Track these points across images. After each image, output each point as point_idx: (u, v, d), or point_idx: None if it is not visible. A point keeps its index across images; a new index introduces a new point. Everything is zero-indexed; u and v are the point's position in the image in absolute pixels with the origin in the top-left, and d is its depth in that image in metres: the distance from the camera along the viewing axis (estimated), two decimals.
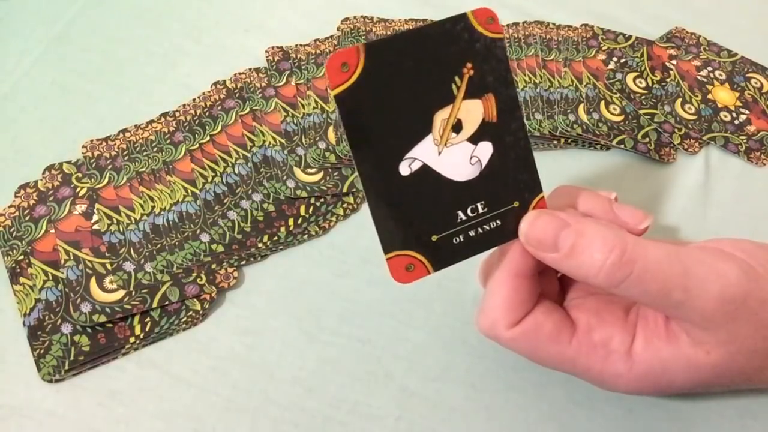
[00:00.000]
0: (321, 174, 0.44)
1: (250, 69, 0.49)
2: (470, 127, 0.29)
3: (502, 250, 0.31)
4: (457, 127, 0.29)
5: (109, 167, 0.43)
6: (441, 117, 0.29)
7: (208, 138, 0.45)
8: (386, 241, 0.29)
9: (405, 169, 0.29)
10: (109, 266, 0.39)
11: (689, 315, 0.29)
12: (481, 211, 0.30)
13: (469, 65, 0.29)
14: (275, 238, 0.42)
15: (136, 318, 0.38)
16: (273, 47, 0.50)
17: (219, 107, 0.47)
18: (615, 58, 0.52)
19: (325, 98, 0.47)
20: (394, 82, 0.28)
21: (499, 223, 0.30)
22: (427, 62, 0.28)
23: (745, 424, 0.37)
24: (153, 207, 0.42)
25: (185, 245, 0.41)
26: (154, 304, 0.38)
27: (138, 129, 0.45)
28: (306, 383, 0.37)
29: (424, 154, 0.29)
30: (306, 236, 0.42)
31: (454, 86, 0.29)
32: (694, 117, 0.49)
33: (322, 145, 0.45)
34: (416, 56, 0.28)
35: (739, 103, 0.50)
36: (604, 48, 0.52)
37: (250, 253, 0.41)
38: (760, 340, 0.30)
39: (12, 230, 0.41)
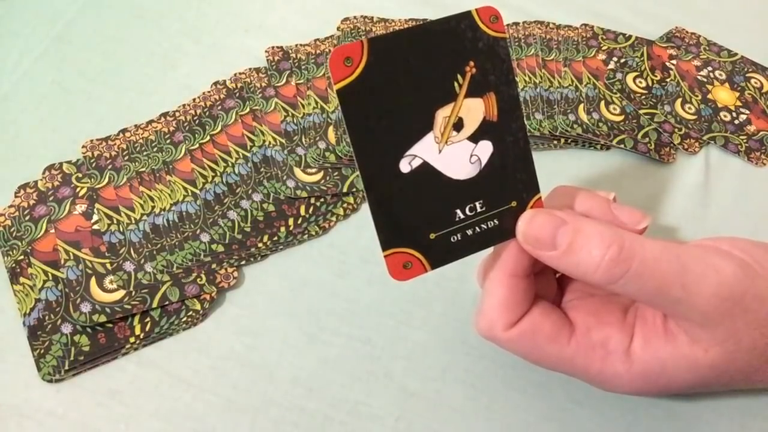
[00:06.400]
0: (321, 174, 0.44)
1: (250, 69, 0.49)
2: (471, 126, 0.29)
3: (497, 251, 0.31)
4: (458, 126, 0.29)
5: (109, 167, 0.43)
6: (442, 115, 0.29)
7: (208, 138, 0.45)
8: (384, 238, 0.29)
9: (405, 166, 0.29)
10: (109, 266, 0.39)
11: (687, 312, 0.29)
12: (479, 210, 0.30)
13: (471, 63, 0.29)
14: (275, 238, 0.42)
15: (136, 318, 0.38)
16: (273, 47, 0.50)
17: (219, 107, 0.47)
18: (615, 58, 0.52)
19: (325, 98, 0.47)
20: (397, 78, 0.28)
21: (496, 222, 0.30)
22: (431, 59, 0.28)
23: (745, 424, 0.37)
24: (153, 207, 0.42)
25: (185, 245, 0.41)
26: (154, 304, 0.38)
27: (138, 129, 0.45)
28: (306, 383, 0.37)
29: (424, 151, 0.29)
30: (306, 236, 0.42)
31: (456, 84, 0.29)
32: (694, 117, 0.49)
33: (322, 145, 0.45)
34: (420, 53, 0.28)
35: (739, 103, 0.50)
36: (604, 48, 0.52)
37: (250, 253, 0.41)
38: (758, 338, 0.30)
39: (12, 230, 0.41)
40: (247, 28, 0.53)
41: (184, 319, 0.39)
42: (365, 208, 0.44)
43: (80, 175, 0.43)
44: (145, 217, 0.41)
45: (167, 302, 0.39)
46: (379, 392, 0.37)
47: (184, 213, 0.42)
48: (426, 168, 0.29)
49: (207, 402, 0.37)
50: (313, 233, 0.42)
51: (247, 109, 0.46)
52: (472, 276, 0.35)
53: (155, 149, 0.44)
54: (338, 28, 0.52)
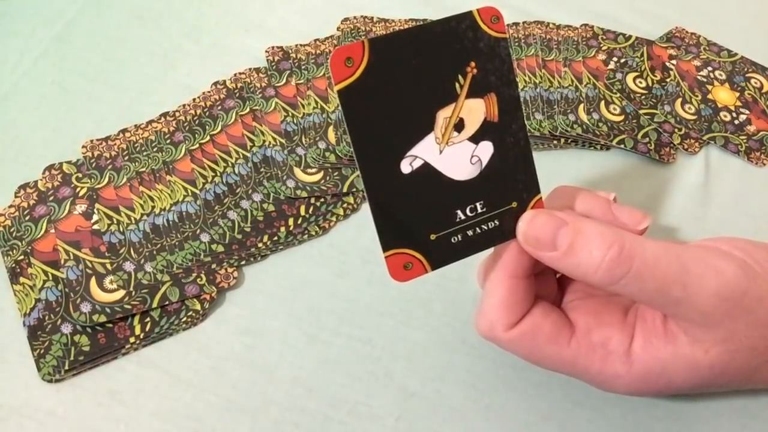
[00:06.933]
0: (321, 174, 0.44)
1: (250, 69, 0.49)
2: (472, 127, 0.29)
3: (497, 251, 0.31)
4: (459, 126, 0.29)
5: (109, 167, 0.43)
6: (443, 115, 0.29)
7: (208, 138, 0.45)
8: (385, 238, 0.29)
9: (406, 167, 0.29)
10: (109, 266, 0.39)
11: (688, 312, 0.29)
12: (479, 210, 0.30)
13: (472, 64, 0.29)
14: (275, 238, 0.42)
15: (136, 318, 0.38)
16: (273, 47, 0.50)
17: (219, 107, 0.47)
18: (615, 58, 0.52)
19: (325, 98, 0.47)
20: (398, 79, 0.28)
21: (497, 223, 0.30)
22: (432, 60, 0.28)
23: (745, 424, 0.37)
24: (153, 207, 0.42)
25: (185, 245, 0.41)
26: (154, 304, 0.38)
27: (138, 129, 0.45)
28: (306, 383, 0.37)
29: (425, 152, 0.29)
30: (306, 236, 0.42)
31: (457, 85, 0.29)
32: (694, 117, 0.49)
33: (322, 145, 0.45)
34: (421, 53, 0.28)
35: (739, 103, 0.50)
36: (604, 48, 0.52)
37: (250, 253, 0.41)
38: (758, 338, 0.30)
39: (12, 230, 0.41)
40: (247, 28, 0.53)
41: (184, 319, 0.39)
42: (365, 208, 0.44)
43: (80, 175, 0.43)
44: (145, 217, 0.41)
45: (167, 302, 0.39)
46: (379, 392, 0.37)
47: (184, 213, 0.42)
48: (427, 169, 0.29)
49: (207, 402, 0.37)
50: (313, 233, 0.42)
51: (247, 109, 0.46)
52: (473, 276, 0.35)
53: (155, 149, 0.44)
54: (338, 29, 0.52)
